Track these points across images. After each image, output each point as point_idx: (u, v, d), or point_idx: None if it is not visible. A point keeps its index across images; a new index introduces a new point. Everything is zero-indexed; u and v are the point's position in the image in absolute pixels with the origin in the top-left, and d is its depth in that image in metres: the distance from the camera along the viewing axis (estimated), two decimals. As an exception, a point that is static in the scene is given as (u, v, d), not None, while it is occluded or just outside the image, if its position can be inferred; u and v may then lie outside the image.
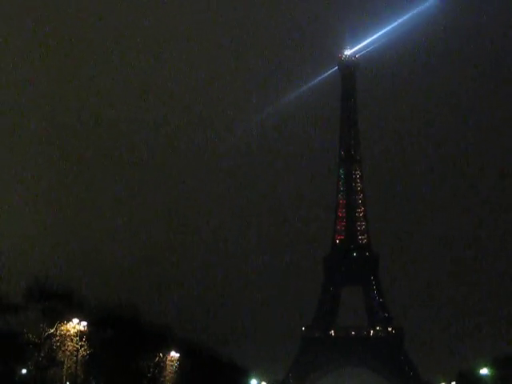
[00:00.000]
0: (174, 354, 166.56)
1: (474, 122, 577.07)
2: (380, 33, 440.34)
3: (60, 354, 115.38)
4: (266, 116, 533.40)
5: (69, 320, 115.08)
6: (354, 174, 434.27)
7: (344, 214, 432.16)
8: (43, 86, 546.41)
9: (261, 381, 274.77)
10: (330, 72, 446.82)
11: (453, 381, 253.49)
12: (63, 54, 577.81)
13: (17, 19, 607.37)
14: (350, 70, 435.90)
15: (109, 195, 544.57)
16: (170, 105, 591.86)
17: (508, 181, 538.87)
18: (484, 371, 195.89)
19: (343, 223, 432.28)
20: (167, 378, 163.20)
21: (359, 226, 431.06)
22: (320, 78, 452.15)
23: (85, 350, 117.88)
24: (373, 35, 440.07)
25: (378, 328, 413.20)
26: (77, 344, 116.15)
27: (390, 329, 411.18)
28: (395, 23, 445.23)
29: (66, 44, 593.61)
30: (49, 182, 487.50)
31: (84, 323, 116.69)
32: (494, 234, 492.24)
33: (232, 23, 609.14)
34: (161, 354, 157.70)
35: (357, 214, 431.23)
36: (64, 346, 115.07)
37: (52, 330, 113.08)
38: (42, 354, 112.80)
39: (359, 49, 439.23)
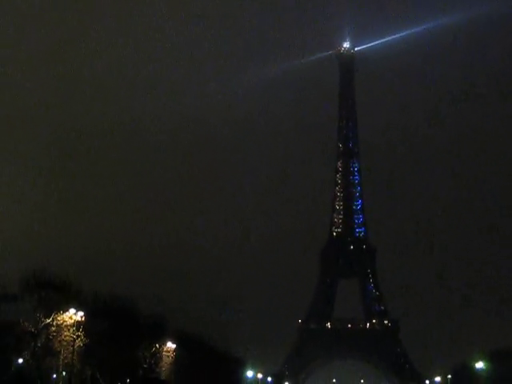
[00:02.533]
0: (171, 345, 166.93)
1: (474, 118, 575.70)
2: (385, 37, 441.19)
3: (56, 344, 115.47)
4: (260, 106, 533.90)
5: (65, 310, 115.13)
6: (352, 166, 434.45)
7: (341, 207, 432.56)
8: (46, 87, 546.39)
9: (257, 372, 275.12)
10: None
11: (448, 374, 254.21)
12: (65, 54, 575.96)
13: (18, 22, 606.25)
14: (348, 63, 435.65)
15: (108, 187, 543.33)
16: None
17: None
18: (479, 365, 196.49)
19: (340, 216, 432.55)
20: (163, 368, 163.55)
21: (356, 218, 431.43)
22: (320, 67, 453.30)
23: (81, 340, 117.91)
24: (376, 35, 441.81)
25: (373, 321, 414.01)
26: (73, 334, 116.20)
27: (385, 322, 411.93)
28: (400, 34, 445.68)
29: (68, 45, 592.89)
30: (46, 174, 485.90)
31: (81, 313, 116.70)
32: (496, 225, 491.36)
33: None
34: (157, 345, 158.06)
35: (354, 207, 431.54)
36: (60, 335, 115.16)
37: (49, 320, 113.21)
38: (39, 344, 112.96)
39: (359, 43, 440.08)
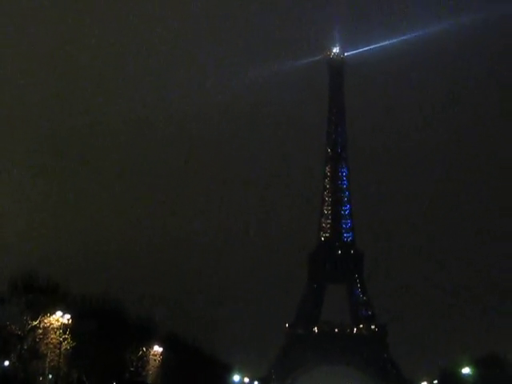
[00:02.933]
0: (158, 349, 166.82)
1: (465, 122, 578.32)
2: (375, 43, 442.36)
3: (43, 347, 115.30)
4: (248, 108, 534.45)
5: (52, 313, 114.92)
6: (341, 171, 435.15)
7: (330, 212, 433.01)
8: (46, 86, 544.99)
9: (243, 377, 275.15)
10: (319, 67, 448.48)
11: (435, 379, 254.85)
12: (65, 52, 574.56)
13: (18, 20, 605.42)
14: (337, 68, 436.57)
15: (107, 187, 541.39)
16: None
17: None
18: (466, 370, 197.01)
19: (328, 221, 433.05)
20: (150, 372, 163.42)
21: (344, 223, 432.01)
22: (309, 71, 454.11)
23: (68, 342, 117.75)
24: (366, 41, 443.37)
25: (361, 326, 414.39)
26: (60, 337, 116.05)
27: (373, 326, 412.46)
28: (390, 40, 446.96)
29: (68, 44, 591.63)
30: (45, 174, 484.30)
31: (67, 316, 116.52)
32: (482, 230, 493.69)
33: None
34: (144, 348, 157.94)
35: (342, 212, 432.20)
36: (47, 338, 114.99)
37: (35, 323, 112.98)
38: (25, 347, 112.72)
39: (349, 49, 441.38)
